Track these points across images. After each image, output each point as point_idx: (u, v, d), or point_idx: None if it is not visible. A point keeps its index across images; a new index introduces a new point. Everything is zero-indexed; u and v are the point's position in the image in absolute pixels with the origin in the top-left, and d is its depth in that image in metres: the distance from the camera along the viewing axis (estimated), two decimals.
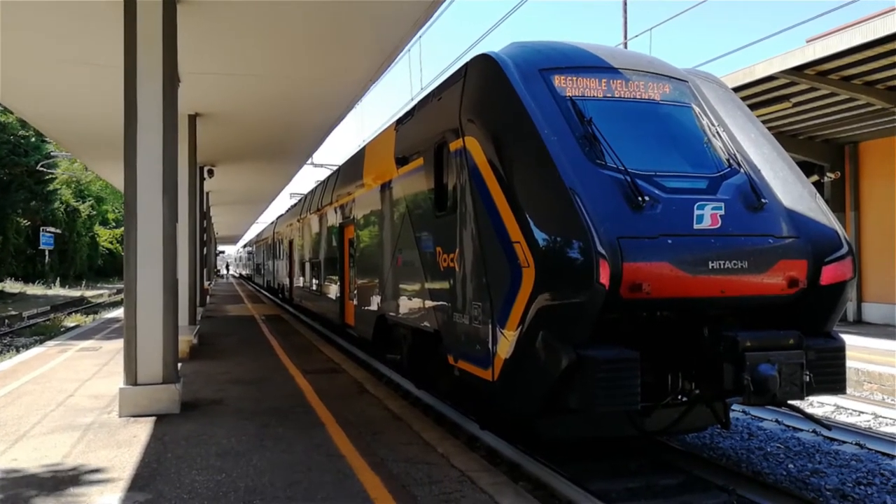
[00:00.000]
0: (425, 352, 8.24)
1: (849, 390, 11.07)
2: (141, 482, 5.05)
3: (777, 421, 8.69)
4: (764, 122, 16.05)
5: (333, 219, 14.31)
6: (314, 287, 17.34)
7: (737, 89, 14.11)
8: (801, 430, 8.32)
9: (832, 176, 17.87)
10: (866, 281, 17.86)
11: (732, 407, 9.11)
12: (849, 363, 11.93)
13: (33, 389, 8.67)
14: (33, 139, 35.90)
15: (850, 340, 13.64)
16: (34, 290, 40.18)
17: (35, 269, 45.27)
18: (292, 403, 7.76)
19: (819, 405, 10.07)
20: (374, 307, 10.37)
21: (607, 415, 6.02)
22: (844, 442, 7.83)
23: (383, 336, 10.23)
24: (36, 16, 8.02)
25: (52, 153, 36.40)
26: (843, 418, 9.42)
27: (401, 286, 8.85)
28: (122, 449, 5.91)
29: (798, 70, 13.06)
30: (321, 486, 4.94)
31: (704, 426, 7.01)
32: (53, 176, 41.08)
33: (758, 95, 14.50)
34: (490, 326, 5.92)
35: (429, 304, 7.64)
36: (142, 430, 6.51)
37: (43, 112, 13.18)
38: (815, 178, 18.03)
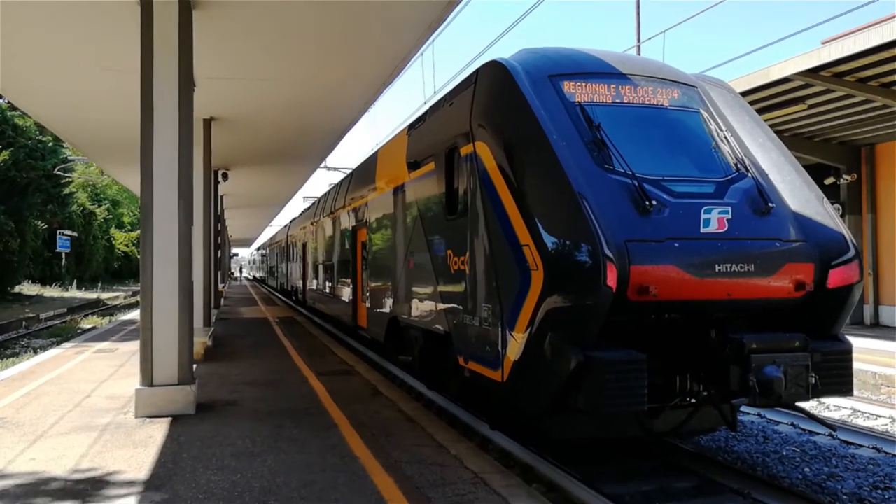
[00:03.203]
0: (436, 353, 8.29)
1: (866, 394, 10.98)
2: (157, 482, 5.10)
3: (793, 424, 8.62)
4: (779, 123, 15.99)
5: (346, 222, 14.38)
6: (327, 289, 17.42)
7: (752, 91, 14.04)
8: (818, 433, 8.24)
9: (849, 178, 17.71)
10: (883, 283, 17.68)
11: (748, 411, 9.09)
12: (866, 367, 11.84)
13: (51, 390, 8.77)
14: (50, 143, 36.27)
15: (867, 344, 13.53)
16: (51, 292, 40.62)
17: (52, 271, 45.74)
18: (306, 405, 7.80)
19: (836, 409, 9.98)
20: (386, 309, 10.41)
21: (615, 415, 6.06)
22: (861, 446, 7.76)
23: (395, 338, 10.28)
24: (54, 21, 8.14)
25: (68, 157, 36.79)
26: (859, 422, 9.33)
27: (412, 289, 8.89)
28: (138, 449, 5.97)
29: (814, 72, 12.98)
30: (335, 487, 4.97)
31: (712, 428, 7.04)
32: (70, 179, 41.46)
33: (773, 97, 14.42)
34: (499, 328, 5.99)
35: (440, 306, 7.70)
36: (158, 431, 6.57)
37: (60, 116, 13.35)
38: (831, 180, 17.88)
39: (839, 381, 5.84)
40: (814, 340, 5.73)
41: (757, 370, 5.38)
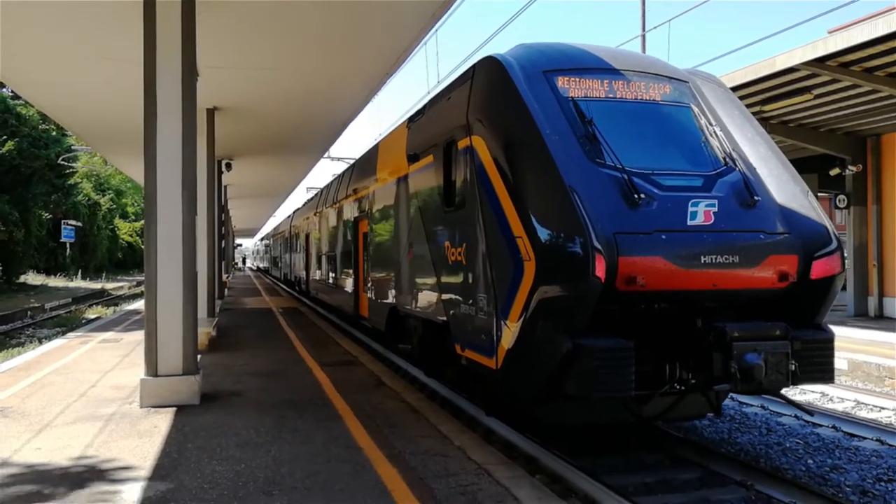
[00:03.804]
0: (435, 342, 8.43)
1: (869, 386, 10.97)
2: (162, 472, 5.12)
3: (796, 416, 8.62)
4: (785, 113, 15.89)
5: (348, 213, 14.42)
6: (330, 280, 17.47)
7: (757, 81, 13.95)
8: (821, 425, 8.24)
9: (854, 169, 17.61)
10: (888, 275, 17.60)
11: (752, 402, 9.11)
12: (869, 359, 11.80)
13: (56, 380, 8.81)
14: (54, 132, 36.23)
15: (871, 335, 13.51)
16: (56, 282, 40.79)
17: (56, 261, 45.89)
18: (310, 395, 7.83)
19: (839, 400, 9.98)
20: (387, 299, 10.52)
21: (605, 401, 6.22)
22: (865, 438, 7.75)
23: (396, 327, 10.43)
24: (57, 12, 8.11)
25: (72, 147, 36.77)
26: (863, 414, 9.33)
27: (412, 279, 9.02)
28: (143, 439, 6.00)
29: (820, 61, 12.88)
30: (339, 478, 4.99)
31: (700, 413, 7.23)
32: (74, 169, 41.47)
33: (779, 87, 14.32)
34: (494, 317, 6.16)
35: (438, 296, 7.85)
36: (162, 421, 6.60)
37: (63, 106, 13.34)
38: (836, 170, 17.78)
39: (820, 368, 6.01)
40: (796, 329, 5.89)
41: (738, 357, 5.56)
